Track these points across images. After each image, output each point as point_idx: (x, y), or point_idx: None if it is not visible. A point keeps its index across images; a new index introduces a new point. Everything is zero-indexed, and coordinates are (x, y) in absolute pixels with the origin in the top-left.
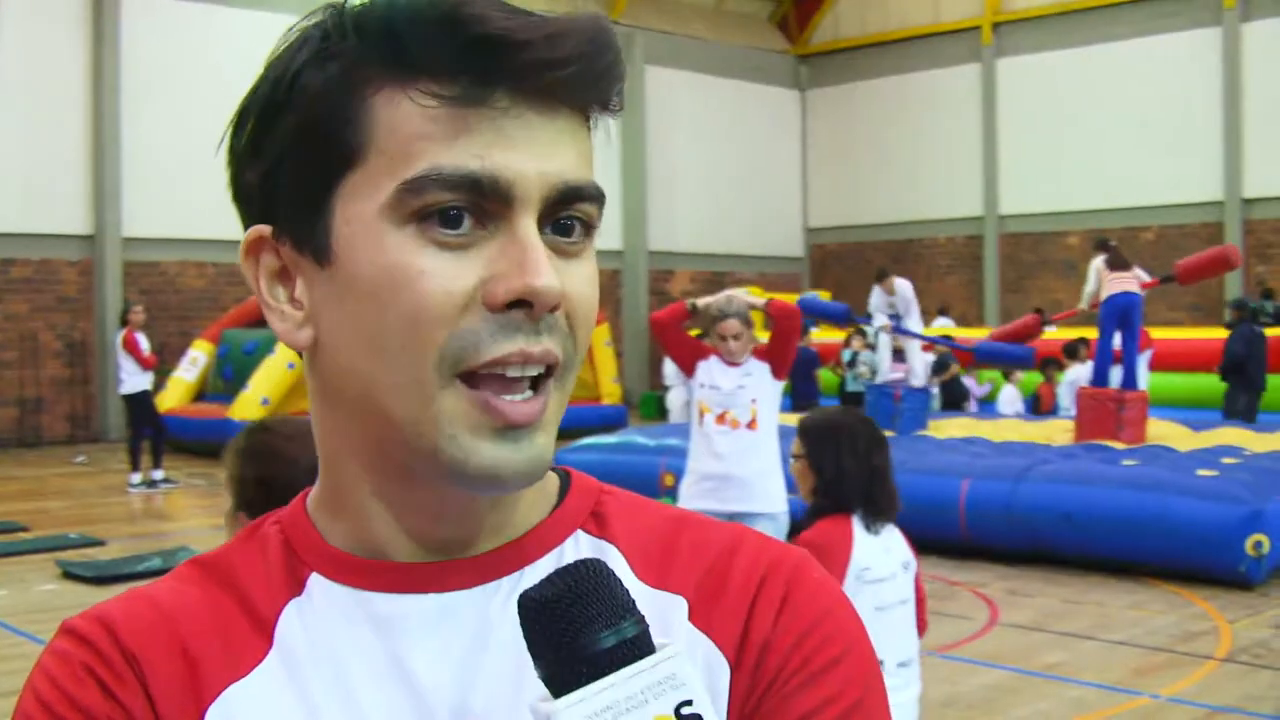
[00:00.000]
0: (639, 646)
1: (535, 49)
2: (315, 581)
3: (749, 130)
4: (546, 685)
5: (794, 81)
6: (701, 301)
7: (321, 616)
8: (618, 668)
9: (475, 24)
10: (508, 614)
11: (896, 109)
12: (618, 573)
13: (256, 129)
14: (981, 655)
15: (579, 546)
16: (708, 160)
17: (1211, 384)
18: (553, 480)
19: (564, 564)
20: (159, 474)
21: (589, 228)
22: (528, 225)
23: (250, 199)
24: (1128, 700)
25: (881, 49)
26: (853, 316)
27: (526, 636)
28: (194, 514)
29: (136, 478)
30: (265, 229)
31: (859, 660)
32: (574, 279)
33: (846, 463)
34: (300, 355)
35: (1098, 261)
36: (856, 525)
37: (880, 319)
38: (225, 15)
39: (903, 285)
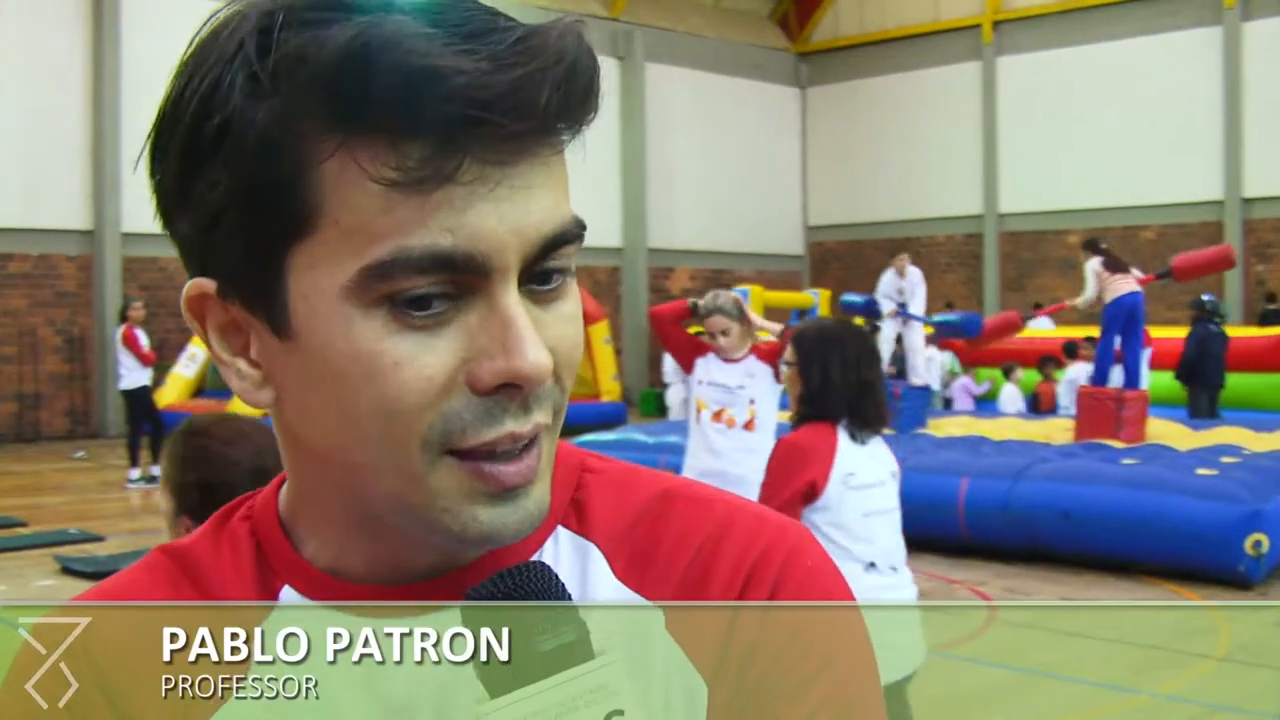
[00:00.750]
0: (575, 653)
1: (506, 102)
2: (288, 596)
3: (749, 128)
4: (483, 685)
5: (794, 79)
6: (702, 301)
7: (298, 635)
8: (552, 673)
9: (433, 85)
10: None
11: (897, 107)
12: (597, 573)
13: (183, 172)
14: (979, 653)
15: (559, 548)
16: (707, 158)
17: None
18: None
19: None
20: (158, 470)
21: (566, 271)
22: (508, 297)
23: (186, 248)
24: (1125, 698)
25: (882, 47)
26: (875, 305)
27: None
28: None
29: (135, 473)
30: (209, 285)
31: (849, 659)
32: (556, 326)
33: (834, 373)
34: None
35: (1094, 264)
36: (841, 434)
37: (887, 305)
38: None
39: (914, 271)
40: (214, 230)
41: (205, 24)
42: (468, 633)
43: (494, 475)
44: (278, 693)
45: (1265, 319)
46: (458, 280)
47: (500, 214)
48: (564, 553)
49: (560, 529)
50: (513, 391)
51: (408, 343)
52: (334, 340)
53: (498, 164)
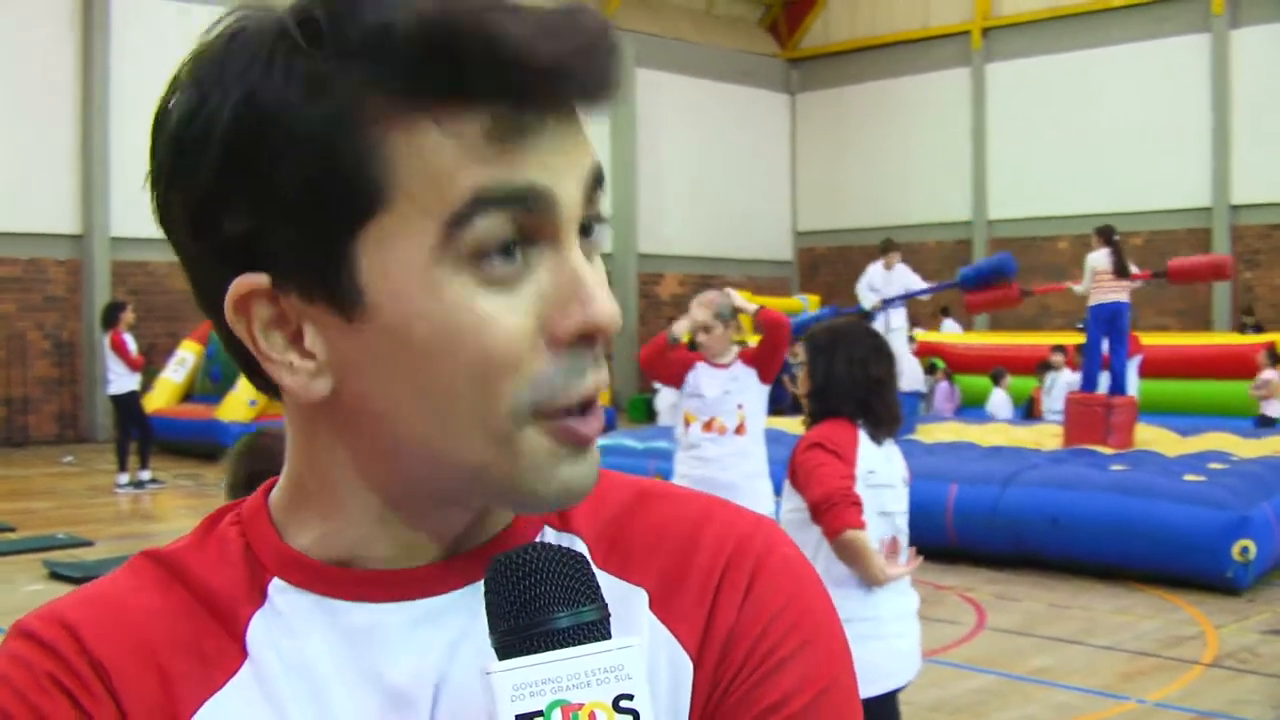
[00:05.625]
0: (594, 632)
1: (574, 73)
2: (277, 587)
3: (739, 133)
4: (497, 655)
5: (784, 85)
6: (678, 327)
7: (290, 626)
8: (567, 646)
9: (513, 49)
10: (484, 616)
11: (886, 113)
12: None
13: (226, 173)
14: (969, 659)
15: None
16: (697, 163)
17: (1199, 389)
18: None
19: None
20: (146, 474)
21: (603, 221)
22: (576, 249)
23: (228, 249)
24: (1114, 705)
25: (872, 53)
26: (840, 312)
27: (488, 601)
28: (181, 515)
29: (124, 478)
30: (262, 280)
31: (825, 646)
32: (603, 280)
33: (839, 368)
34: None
35: (1100, 262)
36: (860, 432)
37: (871, 298)
38: (215, 15)
39: (901, 267)
40: (270, 226)
41: (207, 36)
42: (470, 609)
43: (577, 430)
44: (270, 683)
45: (1243, 330)
46: (529, 227)
47: (563, 168)
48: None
49: (545, 528)
50: (590, 342)
51: (491, 301)
52: (421, 309)
53: (554, 119)
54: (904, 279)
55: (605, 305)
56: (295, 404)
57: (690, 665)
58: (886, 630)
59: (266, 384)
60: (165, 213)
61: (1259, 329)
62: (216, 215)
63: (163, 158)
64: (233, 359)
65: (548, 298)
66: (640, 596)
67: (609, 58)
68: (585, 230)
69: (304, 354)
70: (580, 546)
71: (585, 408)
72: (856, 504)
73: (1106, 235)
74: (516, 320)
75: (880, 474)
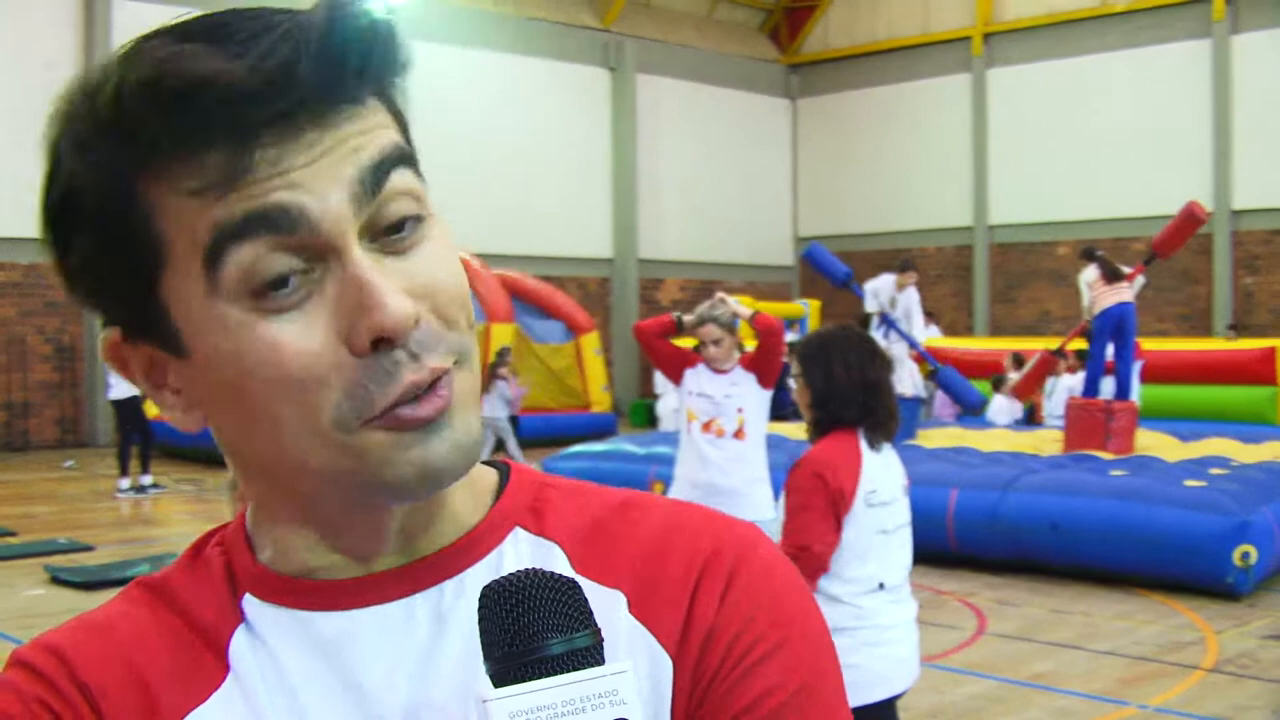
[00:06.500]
0: (588, 658)
1: (264, 92)
2: (250, 603)
3: (739, 139)
4: (492, 682)
5: (784, 90)
6: (688, 318)
7: (266, 640)
8: (561, 673)
9: (202, 91)
10: (453, 618)
11: (887, 118)
12: (558, 569)
13: (58, 243)
14: (969, 664)
15: (518, 546)
16: (698, 168)
17: (1200, 394)
18: (489, 477)
19: (504, 566)
20: (147, 479)
21: (419, 216)
22: (352, 256)
23: (89, 303)
24: (1114, 710)
25: (872, 59)
26: (851, 284)
27: (481, 629)
28: (182, 519)
29: (125, 483)
30: (115, 333)
31: (804, 642)
32: (423, 271)
33: (837, 373)
34: None
35: (1090, 274)
36: (861, 441)
37: (873, 304)
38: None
39: (912, 291)
40: (97, 286)
41: (61, 97)
42: (442, 618)
43: (410, 414)
44: (252, 695)
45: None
46: (300, 245)
47: (318, 174)
48: (523, 551)
49: (518, 529)
50: (389, 345)
51: (279, 325)
52: (218, 344)
53: (295, 139)
54: (908, 304)
55: (393, 308)
56: (216, 439)
57: (670, 663)
58: (884, 638)
59: None
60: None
61: (1234, 330)
62: (68, 277)
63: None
64: None
65: (338, 311)
66: (618, 600)
67: (331, 54)
68: (394, 229)
69: (174, 391)
70: (556, 552)
71: (418, 397)
72: (821, 569)
73: (1089, 255)
74: (308, 341)
75: (881, 490)
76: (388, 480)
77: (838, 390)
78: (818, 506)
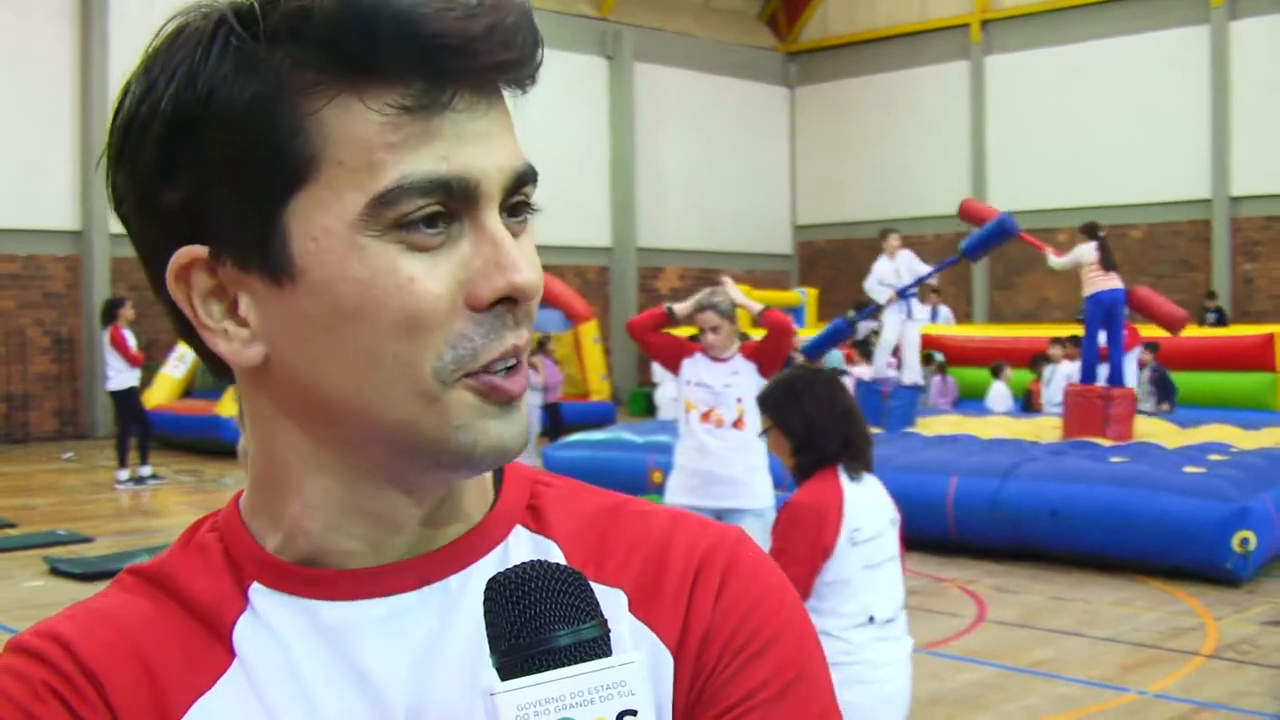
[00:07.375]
0: (595, 649)
1: (487, 48)
2: (257, 591)
3: (738, 127)
4: (499, 675)
5: (783, 78)
6: (679, 307)
7: (273, 628)
8: (568, 665)
9: (427, 25)
10: (459, 612)
11: (885, 106)
12: None
13: (167, 148)
14: (969, 651)
15: (520, 543)
16: (696, 157)
17: (1199, 381)
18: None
19: (509, 561)
20: (146, 470)
21: (531, 208)
22: (496, 221)
23: (169, 221)
24: (1114, 696)
25: (870, 46)
26: (851, 319)
27: (487, 621)
28: (181, 510)
29: (124, 474)
30: (199, 251)
31: (794, 638)
32: (530, 256)
33: (812, 410)
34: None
35: (1088, 250)
36: (843, 477)
37: (884, 293)
38: None
39: (904, 253)
40: (206, 195)
41: (156, 37)
42: (439, 614)
43: (502, 386)
44: (258, 682)
45: (1204, 316)
46: (451, 205)
47: (484, 148)
48: (524, 548)
49: (519, 528)
50: (510, 305)
51: (417, 264)
52: (348, 271)
53: (477, 100)
54: (910, 265)
55: (523, 271)
56: (242, 384)
57: (671, 660)
58: (875, 675)
59: (210, 357)
60: (116, 192)
61: (1219, 315)
62: (159, 190)
63: (114, 141)
64: (178, 332)
65: (469, 264)
66: (619, 598)
67: (522, 36)
68: (515, 211)
69: (239, 322)
70: (555, 550)
71: (509, 370)
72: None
73: (1090, 231)
74: (439, 282)
75: (865, 528)
76: (460, 443)
77: (817, 426)
78: (801, 548)
